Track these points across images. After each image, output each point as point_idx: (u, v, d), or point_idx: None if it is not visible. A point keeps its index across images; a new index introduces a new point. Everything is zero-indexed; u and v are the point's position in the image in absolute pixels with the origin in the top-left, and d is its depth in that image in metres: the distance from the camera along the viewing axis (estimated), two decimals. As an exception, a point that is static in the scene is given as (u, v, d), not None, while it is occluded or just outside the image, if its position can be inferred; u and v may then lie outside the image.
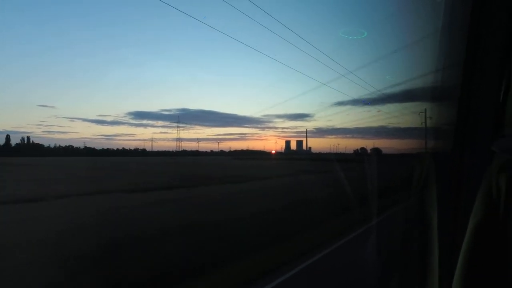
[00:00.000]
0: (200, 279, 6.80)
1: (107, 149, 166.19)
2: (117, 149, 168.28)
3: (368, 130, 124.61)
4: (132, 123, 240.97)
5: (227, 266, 7.51)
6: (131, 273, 6.80)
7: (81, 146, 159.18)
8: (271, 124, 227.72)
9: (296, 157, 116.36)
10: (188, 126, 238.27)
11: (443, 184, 1.55)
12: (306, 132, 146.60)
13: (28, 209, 15.06)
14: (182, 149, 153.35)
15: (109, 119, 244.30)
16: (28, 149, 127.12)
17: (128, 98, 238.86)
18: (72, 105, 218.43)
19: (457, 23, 1.67)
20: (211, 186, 26.62)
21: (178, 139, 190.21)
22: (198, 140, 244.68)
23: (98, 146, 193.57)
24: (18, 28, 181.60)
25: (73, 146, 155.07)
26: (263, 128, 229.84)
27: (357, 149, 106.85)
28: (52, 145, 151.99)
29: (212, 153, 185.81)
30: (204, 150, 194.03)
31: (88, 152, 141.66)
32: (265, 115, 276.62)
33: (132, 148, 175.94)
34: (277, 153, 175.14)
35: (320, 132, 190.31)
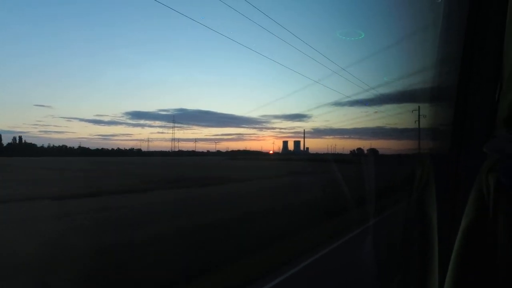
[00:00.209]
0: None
1: (102, 149, 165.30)
2: (112, 149, 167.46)
3: (365, 130, 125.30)
4: (130, 123, 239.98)
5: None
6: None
7: (77, 146, 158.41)
8: (268, 125, 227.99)
9: (292, 158, 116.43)
10: (185, 126, 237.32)
11: (442, 184, 1.56)
12: (304, 132, 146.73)
13: None
14: (178, 149, 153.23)
15: (106, 119, 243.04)
16: (21, 149, 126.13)
17: (126, 98, 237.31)
18: (69, 105, 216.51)
19: (454, 24, 1.68)
20: (172, 189, 24.36)
21: (173, 139, 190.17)
22: (195, 140, 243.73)
23: (95, 146, 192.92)
24: (14, 27, 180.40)
25: (66, 146, 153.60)
26: (261, 129, 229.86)
27: (354, 150, 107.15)
28: (46, 145, 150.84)
29: (208, 154, 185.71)
30: (201, 150, 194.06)
31: (82, 152, 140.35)
32: (263, 116, 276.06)
33: (128, 148, 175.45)
34: (275, 153, 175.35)
35: (318, 132, 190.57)
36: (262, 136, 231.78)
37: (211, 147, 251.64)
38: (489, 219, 1.03)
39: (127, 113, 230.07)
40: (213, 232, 10.85)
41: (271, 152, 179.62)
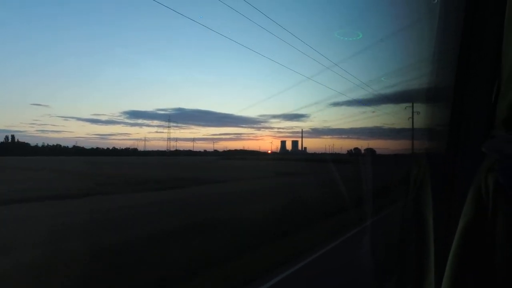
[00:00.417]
0: None
1: (97, 148, 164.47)
2: (107, 149, 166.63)
3: (363, 130, 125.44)
4: (127, 123, 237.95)
5: None
6: None
7: (73, 145, 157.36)
8: (267, 124, 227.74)
9: (290, 157, 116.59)
10: (183, 125, 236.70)
11: (438, 185, 1.57)
12: (302, 132, 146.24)
13: None
14: (175, 149, 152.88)
15: (103, 118, 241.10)
16: (14, 148, 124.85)
17: (123, 97, 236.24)
18: (66, 104, 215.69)
19: (451, 25, 1.68)
20: (126, 193, 21.93)
21: (169, 139, 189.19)
22: (193, 140, 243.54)
23: (92, 145, 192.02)
24: (11, 26, 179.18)
25: (60, 146, 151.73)
26: (259, 128, 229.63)
27: (351, 149, 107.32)
28: (40, 144, 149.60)
29: (205, 153, 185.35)
30: (198, 149, 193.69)
31: (76, 152, 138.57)
32: (261, 115, 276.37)
33: (124, 148, 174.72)
34: (272, 153, 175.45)
35: (316, 132, 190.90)
36: (260, 136, 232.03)
37: (209, 146, 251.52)
38: (488, 219, 1.03)
39: (125, 113, 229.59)
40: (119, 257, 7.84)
41: (269, 151, 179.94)
